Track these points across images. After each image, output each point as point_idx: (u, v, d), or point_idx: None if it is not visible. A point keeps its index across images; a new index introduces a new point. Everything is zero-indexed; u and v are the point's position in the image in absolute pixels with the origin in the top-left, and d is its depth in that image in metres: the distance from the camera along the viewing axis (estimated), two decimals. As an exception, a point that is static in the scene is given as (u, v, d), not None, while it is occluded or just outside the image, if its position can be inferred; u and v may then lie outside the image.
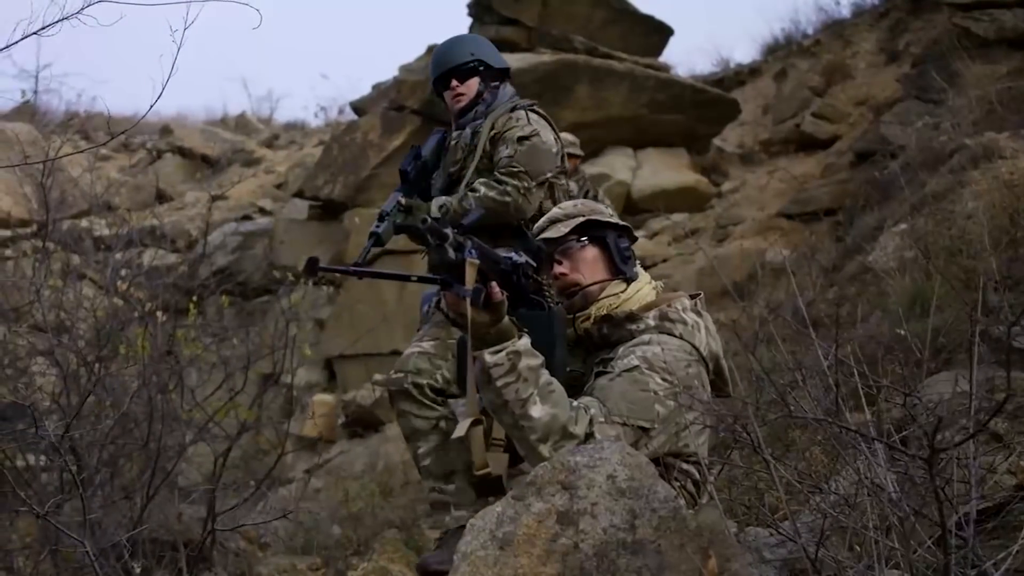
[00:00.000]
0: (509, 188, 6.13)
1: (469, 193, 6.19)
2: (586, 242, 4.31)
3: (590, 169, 16.76)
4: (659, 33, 19.30)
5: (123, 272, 11.30)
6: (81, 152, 6.57)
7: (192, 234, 19.22)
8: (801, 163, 16.89)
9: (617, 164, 17.09)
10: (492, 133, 6.34)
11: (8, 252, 16.82)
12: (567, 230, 4.31)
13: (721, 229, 15.82)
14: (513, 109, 6.40)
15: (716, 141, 18.41)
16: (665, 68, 19.20)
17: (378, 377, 13.72)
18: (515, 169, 6.16)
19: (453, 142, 6.53)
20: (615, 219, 4.42)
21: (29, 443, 7.07)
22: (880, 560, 3.29)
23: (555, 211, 4.45)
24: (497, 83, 6.56)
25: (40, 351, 9.08)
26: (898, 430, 4.03)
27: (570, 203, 4.53)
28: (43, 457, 7.84)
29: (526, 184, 6.14)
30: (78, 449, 7.47)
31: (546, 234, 4.33)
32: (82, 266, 12.13)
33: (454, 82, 6.48)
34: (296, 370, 13.30)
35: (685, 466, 4.01)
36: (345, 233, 16.70)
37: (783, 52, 20.70)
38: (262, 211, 20.10)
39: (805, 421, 3.64)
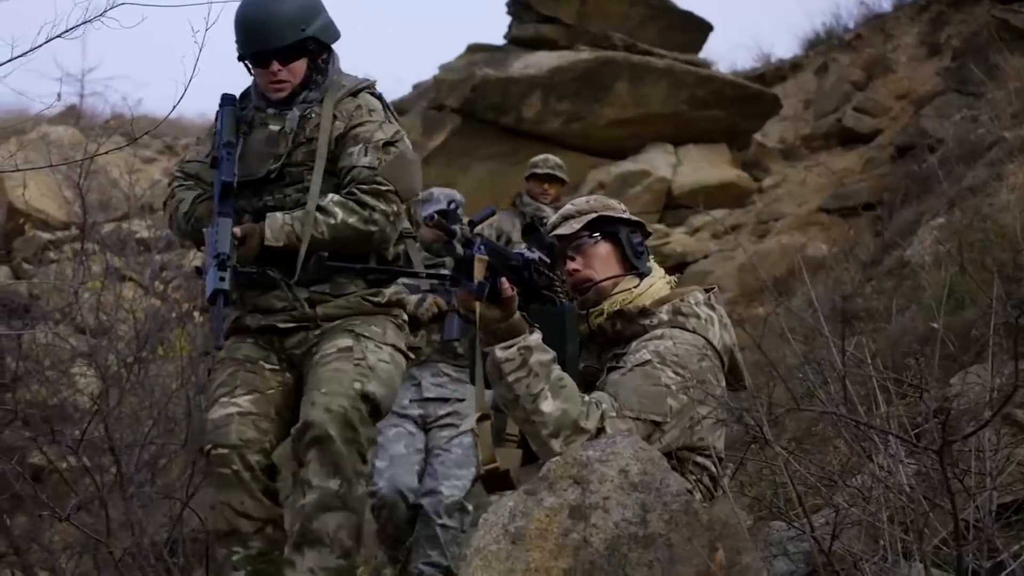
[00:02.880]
0: (376, 215, 4.91)
1: (320, 217, 4.88)
2: (599, 238, 4.29)
3: (631, 166, 16.78)
4: (698, 29, 19.28)
5: (164, 274, 11.38)
6: (110, 152, 6.57)
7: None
8: (842, 158, 16.81)
9: (658, 160, 17.06)
10: (336, 126, 5.05)
11: (51, 255, 16.93)
12: (580, 226, 4.30)
13: (762, 225, 15.77)
14: (357, 92, 5.15)
15: (757, 137, 18.35)
16: (705, 64, 19.17)
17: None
18: (382, 188, 4.92)
19: (268, 124, 5.11)
20: (627, 215, 4.42)
21: (69, 445, 7.07)
22: (896, 553, 3.29)
23: (568, 207, 4.44)
24: (327, 54, 5.19)
25: (80, 353, 9.16)
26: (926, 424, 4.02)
27: (582, 199, 4.53)
28: (84, 458, 7.87)
29: (395, 208, 4.96)
30: (117, 450, 7.51)
31: (559, 230, 4.33)
32: (124, 268, 12.22)
33: (275, 64, 5.02)
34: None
35: (700, 460, 4.01)
36: (386, 232, 16.75)
37: (824, 46, 20.58)
38: (305, 211, 20.13)
39: (814, 414, 3.64)
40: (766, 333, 6.80)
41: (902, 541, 3.30)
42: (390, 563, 8.02)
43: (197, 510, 6.94)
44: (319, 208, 4.90)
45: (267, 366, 5.06)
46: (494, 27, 51.78)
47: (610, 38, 17.67)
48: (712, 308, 4.22)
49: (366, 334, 5.06)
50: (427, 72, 28.41)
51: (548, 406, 3.81)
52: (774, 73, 20.80)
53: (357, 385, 4.87)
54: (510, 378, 3.83)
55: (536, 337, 3.89)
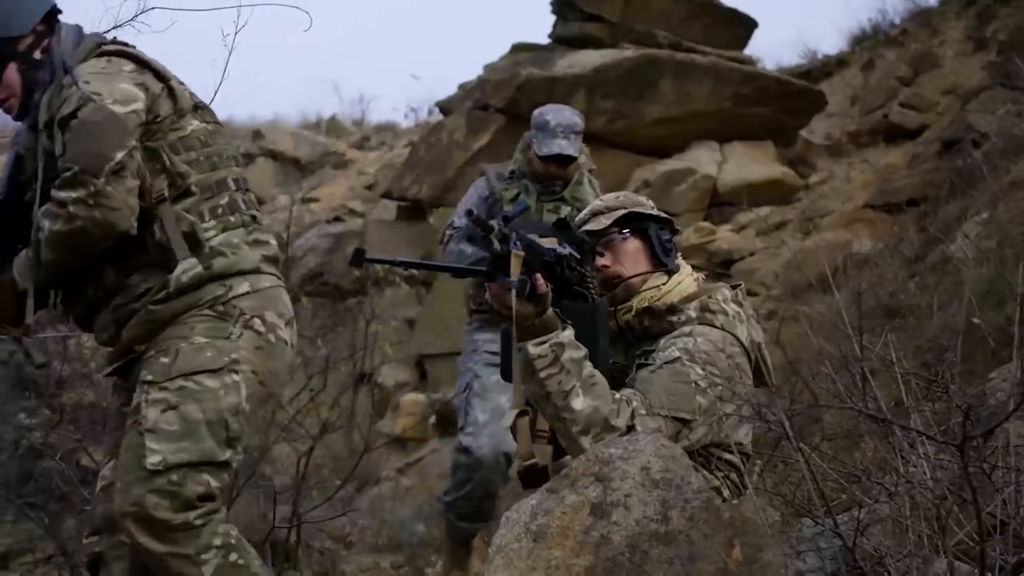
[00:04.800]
0: (73, 207, 4.07)
1: (39, 235, 4.20)
2: (628, 234, 4.31)
3: (676, 164, 16.74)
4: (743, 26, 19.22)
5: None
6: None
7: (284, 237, 19.41)
8: (889, 154, 16.72)
9: (703, 158, 16.99)
10: (48, 121, 4.28)
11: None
12: (609, 222, 4.32)
13: (807, 221, 15.72)
14: (66, 71, 4.26)
15: (803, 133, 18.27)
16: (750, 61, 19.11)
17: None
18: (68, 174, 4.09)
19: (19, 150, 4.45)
20: (656, 211, 4.43)
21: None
22: (921, 549, 3.29)
23: (597, 203, 4.47)
24: (46, 41, 4.39)
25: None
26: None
27: (612, 195, 4.54)
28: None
29: (92, 188, 4.05)
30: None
31: (588, 226, 4.35)
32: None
33: None
34: (380, 369, 13.43)
35: (728, 457, 4.02)
36: (432, 232, 16.77)
37: (870, 42, 20.48)
38: (353, 213, 20.23)
39: (832, 409, 3.64)
40: (812, 329, 6.79)
41: (928, 537, 3.29)
42: (456, 562, 7.77)
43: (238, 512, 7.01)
44: (37, 228, 4.21)
45: None
46: (539, 25, 51.69)
47: (654, 36, 17.65)
48: (739, 305, 4.24)
49: (148, 377, 4.24)
50: (472, 72, 28.48)
51: (579, 403, 3.83)
52: (820, 69, 20.71)
53: (143, 462, 4.12)
54: (542, 374, 3.85)
55: (568, 334, 3.91)
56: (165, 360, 4.22)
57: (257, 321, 4.34)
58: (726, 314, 4.16)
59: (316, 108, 32.32)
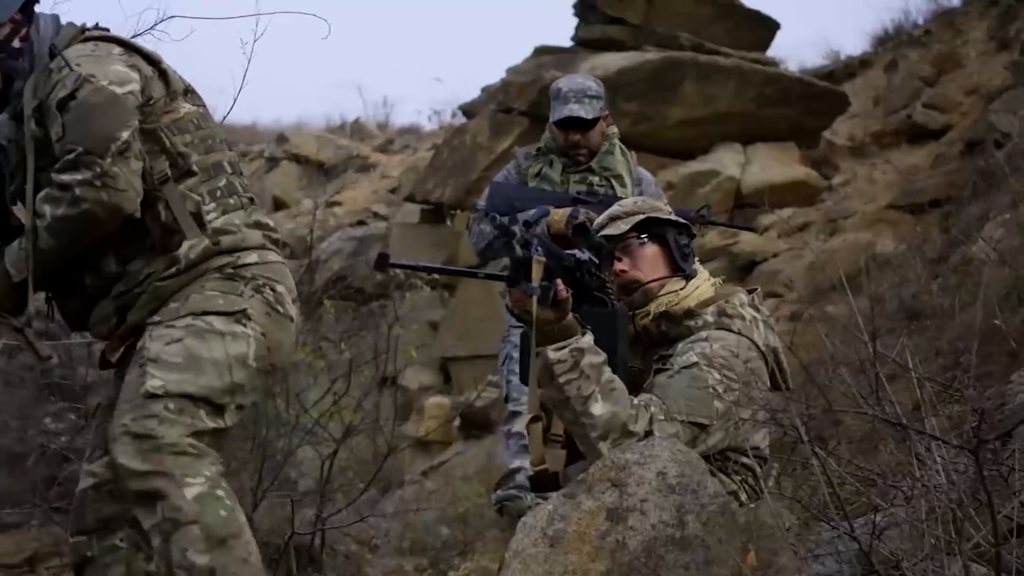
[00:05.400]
0: (79, 190, 3.95)
1: (38, 222, 4.07)
2: (646, 239, 4.34)
3: (699, 166, 16.74)
4: (765, 27, 19.20)
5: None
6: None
7: (308, 240, 19.44)
8: (912, 154, 16.70)
9: (726, 160, 16.98)
10: (36, 106, 4.16)
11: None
12: (627, 227, 4.34)
13: (831, 223, 15.69)
14: (52, 56, 4.17)
15: (826, 134, 18.24)
16: (772, 63, 19.09)
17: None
18: (71, 156, 3.96)
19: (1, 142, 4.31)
20: (674, 216, 4.45)
21: None
22: (937, 552, 3.30)
23: (615, 208, 4.48)
24: (24, 30, 4.30)
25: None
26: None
27: (630, 200, 4.57)
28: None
29: (98, 170, 3.94)
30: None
31: (606, 231, 4.37)
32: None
33: None
34: (404, 372, 13.45)
35: (745, 460, 4.04)
36: (455, 235, 16.79)
37: (893, 43, 20.40)
38: (377, 216, 20.27)
39: (845, 413, 3.65)
40: (834, 331, 6.79)
41: (944, 541, 3.31)
42: None
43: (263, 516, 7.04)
44: (36, 215, 4.08)
45: None
46: (562, 28, 51.73)
47: (677, 38, 17.64)
48: (756, 309, 4.26)
49: (155, 319, 4.14)
50: (495, 75, 28.50)
51: (598, 408, 3.85)
52: (843, 70, 20.65)
53: (141, 389, 4.01)
54: (561, 379, 3.87)
55: (588, 339, 3.93)
56: (174, 305, 4.13)
57: (267, 289, 4.23)
58: (743, 319, 4.18)
59: (340, 111, 32.39)
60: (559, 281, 3.87)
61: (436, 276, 15.04)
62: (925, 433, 3.35)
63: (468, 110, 19.60)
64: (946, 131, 16.81)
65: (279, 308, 4.25)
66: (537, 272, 3.83)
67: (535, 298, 3.81)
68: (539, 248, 3.88)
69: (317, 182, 21.99)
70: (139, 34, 4.69)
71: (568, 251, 4.16)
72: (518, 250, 3.86)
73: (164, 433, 3.93)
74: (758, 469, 4.04)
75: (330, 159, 23.25)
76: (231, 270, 4.20)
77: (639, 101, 16.60)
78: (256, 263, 4.25)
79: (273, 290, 4.25)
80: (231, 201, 4.30)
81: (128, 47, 4.26)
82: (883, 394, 3.48)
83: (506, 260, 6.21)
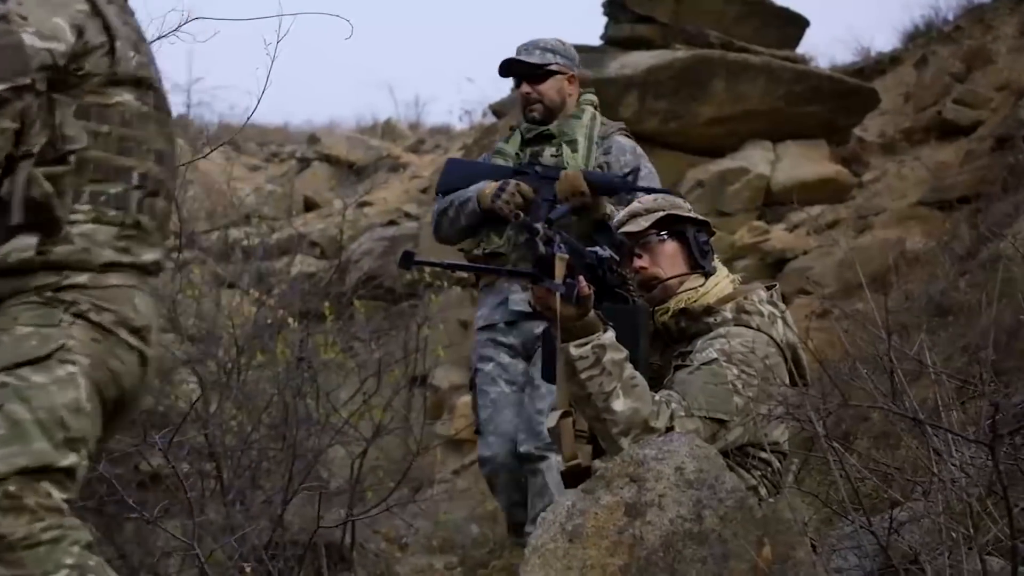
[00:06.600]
0: None
1: None
2: (666, 237, 4.37)
3: (729, 164, 16.72)
4: (795, 25, 19.14)
5: (270, 280, 11.58)
6: (196, 160, 6.70)
7: (339, 240, 19.50)
8: (942, 150, 16.64)
9: (756, 157, 16.95)
10: None
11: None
12: (647, 224, 4.37)
13: (861, 220, 15.65)
14: None
15: (856, 131, 18.19)
16: (802, 60, 19.05)
17: None
18: None
19: None
20: (694, 214, 4.47)
21: (160, 448, 6.99)
22: (955, 546, 3.32)
23: (635, 205, 4.51)
24: None
25: (182, 360, 9.36)
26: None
27: (650, 198, 4.59)
28: (185, 464, 7.95)
29: None
30: (218, 455, 7.67)
31: (626, 228, 4.39)
32: (230, 276, 12.46)
33: None
34: (434, 371, 13.49)
35: (764, 455, 4.06)
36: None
37: (923, 39, 20.34)
38: (408, 216, 20.30)
39: (864, 409, 3.67)
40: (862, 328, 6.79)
41: (961, 535, 3.32)
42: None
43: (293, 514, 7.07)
44: None
45: None
46: (590, 27, 51.62)
47: (706, 36, 17.61)
48: (775, 305, 4.28)
49: None
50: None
51: (619, 405, 3.87)
52: (873, 67, 20.59)
53: None
54: (583, 376, 3.89)
55: (610, 336, 3.95)
56: None
57: (92, 313, 3.56)
58: (762, 315, 4.20)
59: (372, 112, 32.45)
60: (581, 278, 3.90)
61: (465, 275, 15.08)
62: (942, 427, 3.37)
63: (498, 110, 19.60)
64: (976, 127, 16.74)
65: (113, 331, 3.61)
66: (560, 269, 3.84)
67: (559, 295, 3.84)
68: (562, 245, 3.90)
69: (348, 182, 22.07)
70: (163, 36, 4.73)
71: (589, 248, 4.19)
72: (541, 247, 3.87)
73: (11, 528, 3.35)
74: (776, 463, 4.06)
75: (361, 159, 23.33)
76: (50, 293, 3.55)
77: (669, 99, 16.59)
78: (84, 285, 3.58)
79: (102, 311, 3.60)
80: (112, 214, 3.67)
81: (95, 10, 3.65)
82: (900, 390, 3.50)
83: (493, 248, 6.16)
